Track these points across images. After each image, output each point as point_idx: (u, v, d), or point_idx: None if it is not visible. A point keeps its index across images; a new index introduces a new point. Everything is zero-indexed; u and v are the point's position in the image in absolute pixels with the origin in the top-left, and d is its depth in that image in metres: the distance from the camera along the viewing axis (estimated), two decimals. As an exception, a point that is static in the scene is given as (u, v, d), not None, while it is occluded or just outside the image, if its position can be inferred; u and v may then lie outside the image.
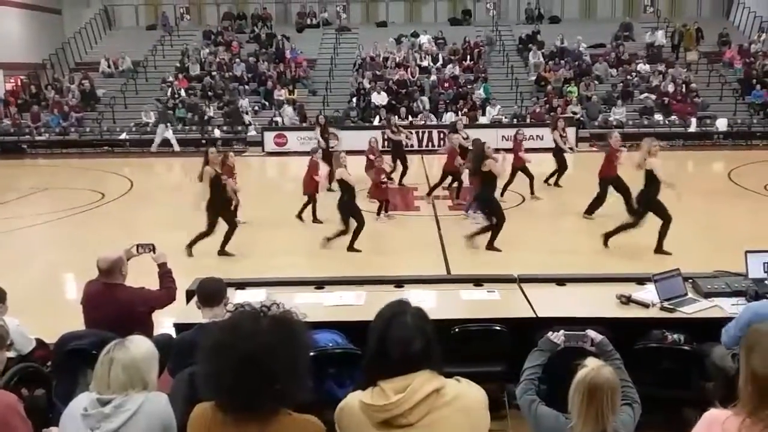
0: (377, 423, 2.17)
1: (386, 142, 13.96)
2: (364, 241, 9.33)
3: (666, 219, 8.60)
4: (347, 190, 9.18)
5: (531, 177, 12.62)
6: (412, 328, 2.24)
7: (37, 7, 26.31)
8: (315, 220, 10.94)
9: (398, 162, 14.34)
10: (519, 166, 12.38)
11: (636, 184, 8.94)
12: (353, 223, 9.13)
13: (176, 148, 20.65)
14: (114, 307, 4.43)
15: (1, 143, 21.43)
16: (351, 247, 9.21)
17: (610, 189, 10.70)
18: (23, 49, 24.93)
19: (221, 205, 9.12)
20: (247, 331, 2.10)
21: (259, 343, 2.06)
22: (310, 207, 11.07)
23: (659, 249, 8.65)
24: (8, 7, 24.50)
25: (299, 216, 11.05)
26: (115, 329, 3.83)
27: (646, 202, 8.58)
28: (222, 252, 9.10)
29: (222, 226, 9.13)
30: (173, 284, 4.89)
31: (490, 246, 9.16)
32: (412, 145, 17.17)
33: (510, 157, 11.12)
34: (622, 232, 8.86)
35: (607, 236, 8.99)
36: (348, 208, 9.17)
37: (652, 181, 8.43)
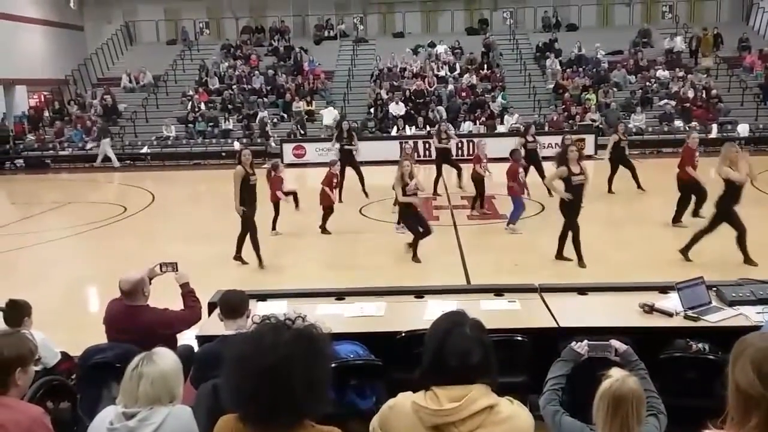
0: (429, 427, 2.17)
1: (428, 152, 13.92)
2: (383, 252, 9.31)
3: (740, 230, 8.29)
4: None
5: None
6: (472, 340, 2.23)
7: (60, 24, 26.82)
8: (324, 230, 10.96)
9: (441, 169, 14.28)
10: None
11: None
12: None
13: (115, 164, 20.97)
14: (136, 329, 4.38)
15: (26, 158, 21.82)
16: (415, 255, 9.25)
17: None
18: (46, 65, 25.40)
19: (249, 205, 9.13)
20: (268, 344, 2.10)
21: (280, 355, 2.07)
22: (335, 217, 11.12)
23: (747, 260, 8.31)
24: (32, 24, 24.98)
25: (323, 230, 10.98)
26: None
27: (721, 211, 8.30)
28: (238, 257, 9.19)
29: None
30: (197, 303, 4.83)
31: (559, 255, 8.98)
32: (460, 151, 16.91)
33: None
34: (697, 242, 8.57)
35: (686, 249, 8.63)
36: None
37: (728, 189, 8.18)
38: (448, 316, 2.36)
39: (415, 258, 9.21)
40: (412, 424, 2.20)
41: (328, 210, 11.07)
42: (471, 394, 2.15)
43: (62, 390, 3.92)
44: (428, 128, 21.30)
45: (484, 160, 11.96)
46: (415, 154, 13.46)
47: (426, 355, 2.27)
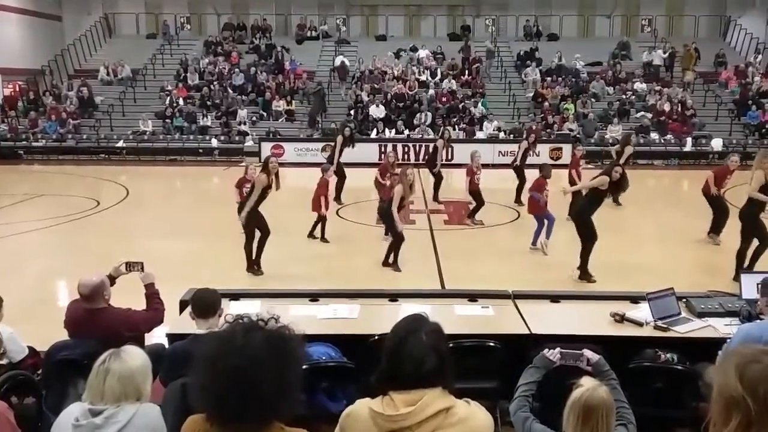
0: None
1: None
2: (359, 254, 9.26)
3: (764, 241, 8.18)
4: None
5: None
6: (427, 347, 2.23)
7: (38, 14, 26.38)
8: (323, 239, 10.57)
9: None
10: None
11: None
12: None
13: None
14: (98, 332, 4.24)
15: (-2, 148, 21.43)
16: (394, 263, 9.00)
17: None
18: (22, 54, 24.95)
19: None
20: (239, 344, 2.08)
21: (251, 356, 2.05)
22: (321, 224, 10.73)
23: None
24: (8, 13, 24.54)
25: (311, 235, 10.63)
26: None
27: (748, 220, 8.26)
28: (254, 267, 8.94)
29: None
30: (161, 306, 4.72)
31: (583, 275, 8.50)
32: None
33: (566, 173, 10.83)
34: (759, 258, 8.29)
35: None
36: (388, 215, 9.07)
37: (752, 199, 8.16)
38: (407, 321, 2.36)
39: (395, 266, 8.99)
40: (367, 430, 2.20)
41: (321, 218, 10.65)
42: (425, 397, 2.16)
43: (27, 385, 3.86)
44: (407, 132, 21.36)
45: (478, 172, 11.60)
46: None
47: (382, 360, 2.28)
